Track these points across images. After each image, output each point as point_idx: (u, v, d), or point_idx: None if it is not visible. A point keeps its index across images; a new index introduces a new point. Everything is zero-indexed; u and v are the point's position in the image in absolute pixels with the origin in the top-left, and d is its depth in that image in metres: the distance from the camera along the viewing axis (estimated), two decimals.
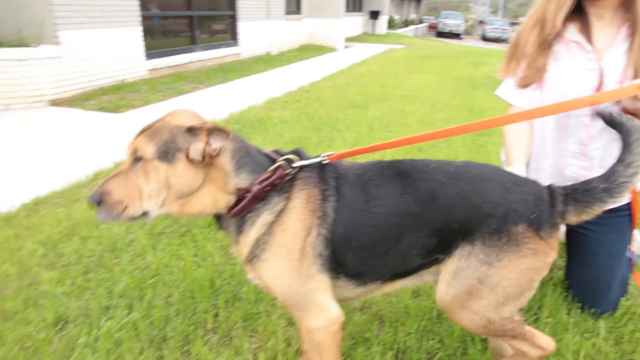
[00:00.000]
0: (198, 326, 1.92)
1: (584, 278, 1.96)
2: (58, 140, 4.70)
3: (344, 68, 11.01)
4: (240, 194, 1.30)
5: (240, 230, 1.34)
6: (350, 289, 1.39)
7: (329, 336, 1.33)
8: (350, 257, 1.33)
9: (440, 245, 1.30)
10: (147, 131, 1.26)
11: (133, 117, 5.78)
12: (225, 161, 1.29)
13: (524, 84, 1.86)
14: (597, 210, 1.29)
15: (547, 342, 1.41)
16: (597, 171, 1.84)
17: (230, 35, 11.40)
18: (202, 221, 2.81)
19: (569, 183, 1.87)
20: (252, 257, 1.32)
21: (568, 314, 1.96)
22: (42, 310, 2.01)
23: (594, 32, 1.79)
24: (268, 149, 1.45)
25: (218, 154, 1.26)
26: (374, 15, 23.33)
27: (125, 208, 1.24)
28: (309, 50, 14.62)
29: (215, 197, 1.30)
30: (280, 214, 1.30)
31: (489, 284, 1.26)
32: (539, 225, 1.26)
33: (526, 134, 1.89)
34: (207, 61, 9.98)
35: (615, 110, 1.34)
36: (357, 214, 1.30)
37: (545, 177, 1.92)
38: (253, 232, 1.32)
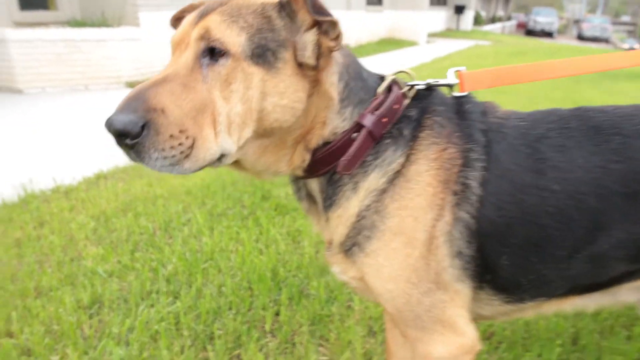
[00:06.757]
0: (254, 325, 1.53)
1: None
2: None
3: (427, 62, 10.36)
4: (344, 135, 0.85)
5: (331, 200, 0.88)
6: (493, 306, 0.92)
7: None
8: (507, 260, 0.86)
9: None
10: (224, 7, 0.75)
11: None
12: (332, 81, 0.83)
13: None
14: None
15: None
16: None
17: None
18: (268, 204, 2.44)
19: None
20: (351, 246, 0.87)
21: None
22: (79, 289, 1.72)
23: None
24: None
25: (333, 52, 0.80)
26: (459, 9, 22.25)
27: (192, 144, 0.72)
28: (389, 44, 14.08)
29: (310, 140, 0.85)
30: (394, 179, 0.84)
31: None
32: None
33: None
34: None
35: None
36: (521, 191, 0.85)
37: None
38: (354, 202, 0.86)
